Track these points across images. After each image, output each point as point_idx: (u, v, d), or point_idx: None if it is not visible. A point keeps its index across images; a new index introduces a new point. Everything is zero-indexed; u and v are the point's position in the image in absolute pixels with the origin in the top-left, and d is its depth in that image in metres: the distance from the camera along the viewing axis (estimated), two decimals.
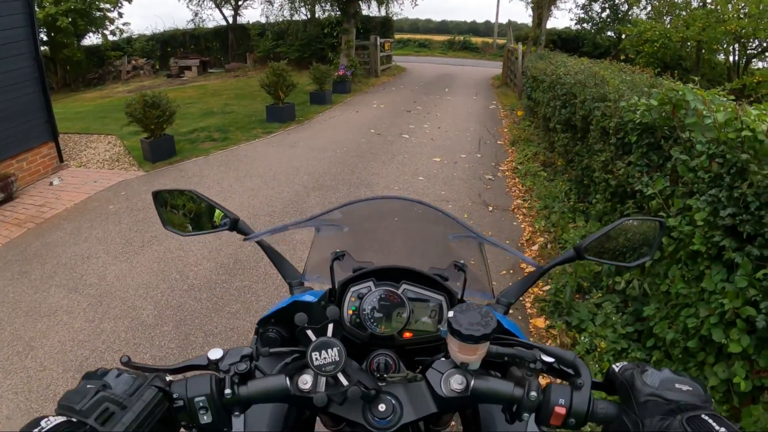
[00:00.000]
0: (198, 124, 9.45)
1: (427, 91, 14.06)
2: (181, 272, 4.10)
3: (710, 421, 0.60)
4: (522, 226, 4.99)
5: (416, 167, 6.85)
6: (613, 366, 0.76)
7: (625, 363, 0.75)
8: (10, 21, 5.97)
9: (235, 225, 1.20)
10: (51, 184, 6.36)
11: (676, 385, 0.67)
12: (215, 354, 0.78)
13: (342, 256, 1.06)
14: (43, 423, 0.60)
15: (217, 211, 1.21)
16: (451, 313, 0.76)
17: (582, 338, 2.90)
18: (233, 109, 10.95)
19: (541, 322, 3.31)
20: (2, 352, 3.15)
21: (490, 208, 5.48)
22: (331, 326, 0.82)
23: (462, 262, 1.11)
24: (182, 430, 0.75)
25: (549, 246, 4.34)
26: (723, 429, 0.58)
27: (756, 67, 12.35)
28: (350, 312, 0.97)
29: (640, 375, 0.70)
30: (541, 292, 3.66)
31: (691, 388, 0.67)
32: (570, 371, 0.76)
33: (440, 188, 6.03)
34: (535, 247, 4.40)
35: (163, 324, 3.39)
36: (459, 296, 1.02)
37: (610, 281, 3.31)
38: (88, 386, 0.65)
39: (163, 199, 1.24)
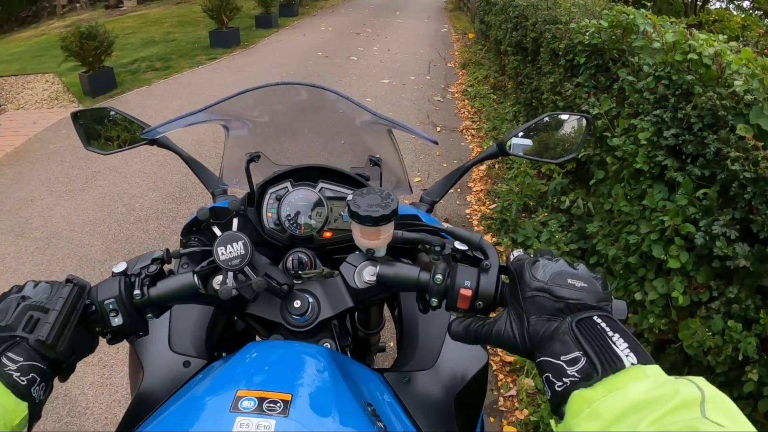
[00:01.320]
0: (139, 54, 8.88)
1: (377, 14, 13.57)
2: (127, 205, 4.00)
3: (603, 324, 0.52)
4: (470, 146, 5.03)
5: (364, 89, 6.73)
6: (512, 254, 0.67)
7: (522, 252, 0.67)
8: None
9: (155, 138, 1.16)
10: None
11: (569, 281, 0.57)
12: (119, 268, 0.74)
13: (257, 158, 1.01)
14: None
15: (137, 126, 1.18)
16: (350, 197, 0.72)
17: None
18: (176, 37, 10.31)
19: (488, 238, 3.40)
20: None
21: (438, 129, 5.48)
22: (235, 220, 0.81)
23: (377, 156, 1.09)
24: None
25: (497, 166, 4.42)
26: (617, 335, 0.51)
27: (713, 7, 12.41)
28: (269, 214, 0.95)
29: (530, 266, 0.61)
30: (488, 210, 3.77)
31: (586, 285, 0.57)
32: (480, 255, 0.71)
33: (388, 109, 5.94)
34: (483, 167, 4.46)
35: (112, 258, 3.33)
36: None
37: (556, 200, 3.41)
38: (9, 302, 0.65)
39: (82, 119, 1.20)
